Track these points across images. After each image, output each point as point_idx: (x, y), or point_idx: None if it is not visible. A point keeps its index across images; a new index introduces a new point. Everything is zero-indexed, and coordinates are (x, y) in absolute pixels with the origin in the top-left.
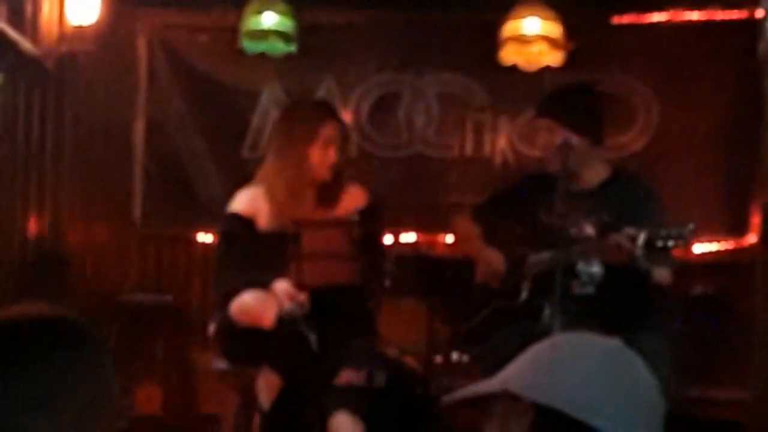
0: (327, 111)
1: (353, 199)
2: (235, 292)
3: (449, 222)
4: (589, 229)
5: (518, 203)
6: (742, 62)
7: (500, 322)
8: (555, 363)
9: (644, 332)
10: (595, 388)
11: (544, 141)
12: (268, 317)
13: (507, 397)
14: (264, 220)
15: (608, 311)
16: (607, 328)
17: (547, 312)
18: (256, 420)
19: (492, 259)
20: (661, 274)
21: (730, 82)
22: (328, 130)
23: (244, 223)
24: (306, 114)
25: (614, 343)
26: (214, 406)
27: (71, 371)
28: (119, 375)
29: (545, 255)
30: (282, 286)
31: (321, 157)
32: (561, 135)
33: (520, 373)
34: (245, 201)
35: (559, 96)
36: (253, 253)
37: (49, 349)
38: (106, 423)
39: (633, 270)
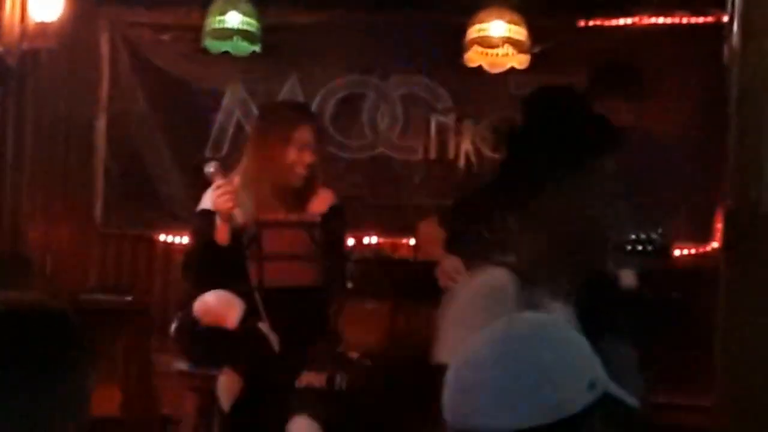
0: (303, 113)
1: (321, 201)
2: (200, 291)
3: (413, 225)
4: None
5: (485, 207)
6: (709, 67)
7: None
8: (459, 365)
9: (612, 337)
10: (484, 384)
11: None
12: (231, 318)
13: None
14: (235, 218)
15: (575, 315)
16: None
17: None
18: (217, 422)
19: (450, 266)
20: (627, 278)
21: (695, 87)
22: (303, 133)
23: (210, 221)
24: (283, 116)
25: (511, 328)
26: (174, 407)
27: (50, 364)
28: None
29: (512, 258)
30: None
31: (296, 159)
32: None
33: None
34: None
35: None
36: (219, 252)
37: (43, 339)
38: (78, 424)
39: (599, 273)
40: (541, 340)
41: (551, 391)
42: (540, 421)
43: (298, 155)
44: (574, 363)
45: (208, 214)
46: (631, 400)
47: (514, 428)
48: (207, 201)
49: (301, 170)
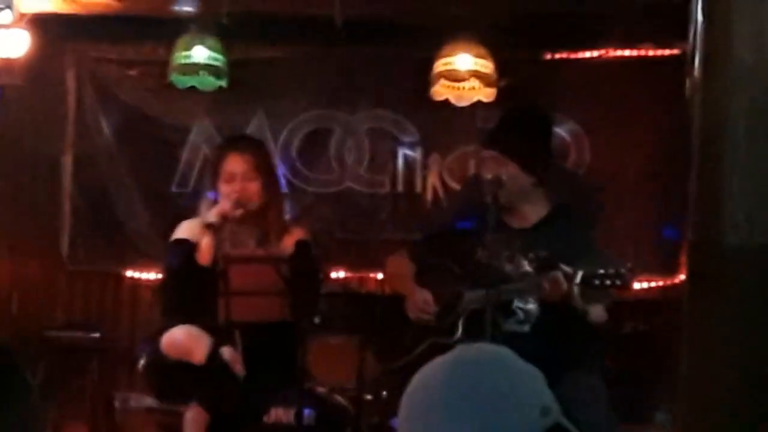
0: (233, 143)
1: (291, 237)
2: (168, 327)
3: (381, 259)
4: (526, 266)
5: (454, 240)
6: (673, 100)
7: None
8: (411, 392)
9: (580, 370)
10: (436, 407)
11: (487, 174)
12: (198, 353)
13: None
14: (203, 253)
15: (544, 349)
16: (543, 365)
17: None
18: None
19: (420, 299)
20: (597, 313)
21: (661, 120)
22: (230, 163)
23: (185, 249)
24: (217, 148)
25: (462, 356)
26: None
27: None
28: (45, 412)
29: (481, 292)
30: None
31: (226, 190)
32: (507, 167)
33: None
34: (187, 230)
35: (506, 126)
36: (191, 283)
37: None
38: None
39: (569, 308)
40: (493, 365)
41: (505, 414)
42: None
43: (227, 186)
44: (527, 388)
45: (184, 243)
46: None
47: None
48: (182, 231)
49: (231, 202)
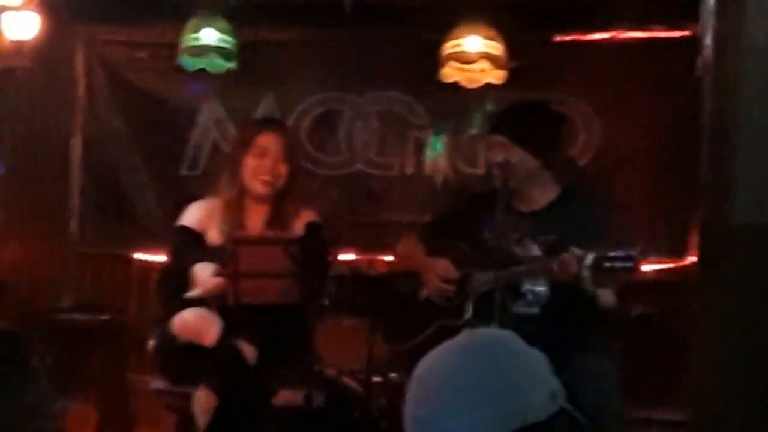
0: (268, 122)
1: (301, 220)
2: (177, 308)
3: (392, 242)
4: (535, 249)
5: (464, 222)
6: (683, 81)
7: (443, 341)
8: (420, 376)
9: (590, 353)
10: (447, 392)
11: (497, 158)
12: (209, 335)
13: None
14: (214, 233)
15: (553, 331)
16: (552, 348)
17: None
18: None
19: (441, 269)
20: (607, 296)
21: (671, 101)
22: (264, 139)
23: (192, 236)
24: (249, 126)
25: (472, 340)
26: (151, 427)
27: (6, 385)
28: (54, 395)
29: (491, 274)
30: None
31: (256, 166)
32: (514, 152)
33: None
34: (195, 214)
35: (514, 113)
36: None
37: None
38: None
39: (578, 291)
40: (503, 350)
41: (517, 398)
42: (506, 429)
43: (258, 162)
44: (536, 372)
45: (188, 231)
46: (580, 417)
47: None
48: (189, 215)
49: (262, 177)
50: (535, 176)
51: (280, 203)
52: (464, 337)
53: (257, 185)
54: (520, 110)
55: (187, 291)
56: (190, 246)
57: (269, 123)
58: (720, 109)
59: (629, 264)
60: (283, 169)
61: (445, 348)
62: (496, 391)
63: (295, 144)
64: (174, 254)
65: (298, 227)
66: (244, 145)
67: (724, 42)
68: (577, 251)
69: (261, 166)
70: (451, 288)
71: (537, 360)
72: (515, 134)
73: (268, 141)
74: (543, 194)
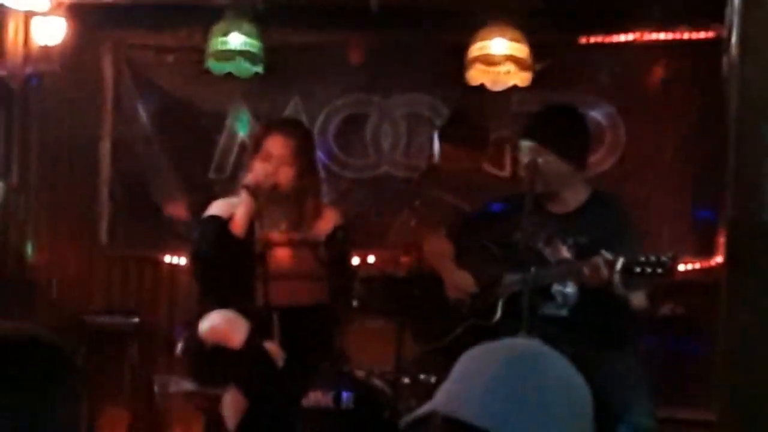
0: (277, 124)
1: (327, 221)
2: (206, 310)
3: (418, 243)
4: (565, 251)
5: (494, 223)
6: (709, 82)
7: (474, 342)
8: (464, 376)
9: (618, 354)
10: (496, 397)
11: (527, 162)
12: (237, 338)
13: (438, 416)
14: (236, 222)
15: (582, 333)
16: (581, 348)
17: (521, 332)
18: None
19: (460, 279)
20: (638, 299)
21: (696, 102)
22: (268, 144)
23: (220, 223)
24: (259, 130)
25: (522, 347)
26: (181, 429)
27: (44, 392)
28: (86, 397)
29: (520, 275)
30: None
31: (261, 170)
32: (545, 156)
33: (442, 391)
34: (222, 206)
35: (545, 117)
36: (225, 259)
37: (24, 368)
38: None
39: (608, 293)
40: (558, 363)
41: (584, 416)
42: None
43: (262, 166)
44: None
45: (216, 218)
46: None
47: None
48: (216, 207)
49: (265, 179)
50: (566, 179)
51: (299, 205)
52: (513, 348)
53: (264, 187)
54: (550, 114)
55: (222, 283)
56: (219, 230)
57: (278, 126)
58: (745, 106)
59: (660, 269)
60: (287, 172)
61: (494, 353)
62: (571, 407)
63: (309, 147)
64: (203, 242)
65: (324, 229)
66: (254, 148)
67: (749, 40)
68: (608, 255)
69: (264, 170)
70: (467, 300)
71: (585, 385)
72: (546, 139)
73: (274, 144)
74: (573, 197)
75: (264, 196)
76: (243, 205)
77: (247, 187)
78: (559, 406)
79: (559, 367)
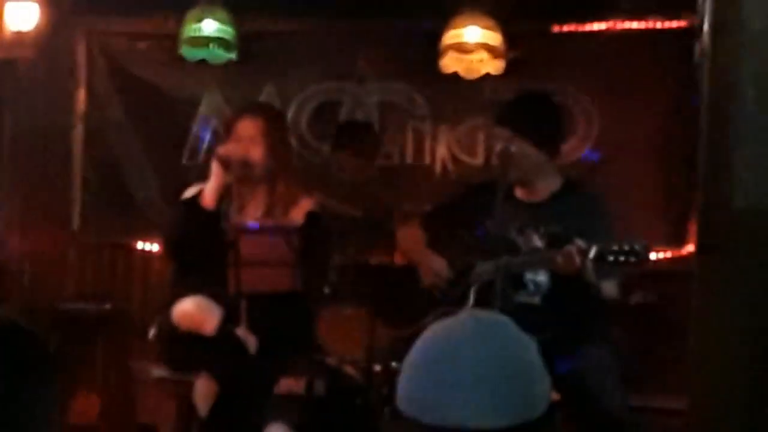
0: (246, 110)
1: (301, 208)
2: (178, 297)
3: (394, 231)
4: (538, 240)
5: (466, 211)
6: (681, 71)
7: None
8: (424, 356)
9: (590, 341)
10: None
11: (500, 149)
12: (209, 324)
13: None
14: (207, 194)
15: (554, 321)
16: (553, 337)
17: None
18: (195, 428)
19: (436, 265)
20: (609, 288)
21: (669, 91)
22: (238, 127)
23: (192, 202)
24: (231, 114)
25: (446, 324)
26: (152, 415)
27: (18, 377)
28: (59, 384)
29: (492, 263)
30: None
31: (232, 152)
32: (518, 144)
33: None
34: (195, 191)
35: (517, 105)
36: (198, 237)
37: (9, 358)
38: None
39: (580, 281)
40: (509, 332)
41: (528, 385)
42: (513, 419)
43: (234, 147)
44: (538, 361)
45: (189, 200)
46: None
47: (505, 425)
48: (190, 192)
49: (235, 163)
50: (539, 167)
51: (272, 191)
52: (465, 318)
53: (235, 160)
54: (522, 102)
55: (196, 270)
56: (191, 208)
57: (248, 109)
58: (717, 93)
59: (633, 258)
60: (257, 151)
61: (447, 328)
62: (525, 379)
63: (280, 128)
64: (173, 226)
65: (298, 215)
66: (226, 132)
67: (721, 27)
68: (581, 243)
69: (236, 151)
70: (443, 285)
71: (536, 349)
72: (519, 126)
73: (243, 128)
74: (546, 185)
75: (235, 173)
76: (213, 176)
77: (218, 158)
78: (472, 374)
79: (481, 335)
